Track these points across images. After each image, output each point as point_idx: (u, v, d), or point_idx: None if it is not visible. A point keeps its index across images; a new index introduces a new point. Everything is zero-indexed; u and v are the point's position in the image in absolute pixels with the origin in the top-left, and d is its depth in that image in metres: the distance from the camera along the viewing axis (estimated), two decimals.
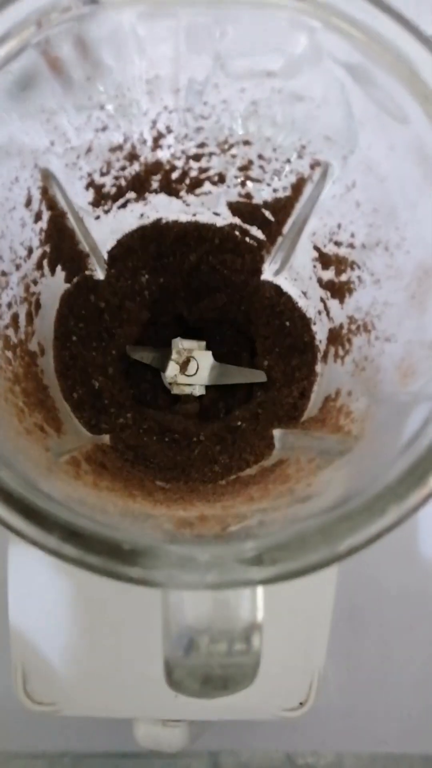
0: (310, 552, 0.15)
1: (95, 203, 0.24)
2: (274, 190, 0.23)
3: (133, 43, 0.19)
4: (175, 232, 0.26)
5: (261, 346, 0.27)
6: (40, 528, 0.15)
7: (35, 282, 0.23)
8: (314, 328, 0.26)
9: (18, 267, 0.22)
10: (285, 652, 0.28)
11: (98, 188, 0.23)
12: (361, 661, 0.37)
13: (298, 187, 0.23)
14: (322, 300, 0.25)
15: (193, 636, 0.16)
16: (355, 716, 0.37)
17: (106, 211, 0.24)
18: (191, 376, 0.26)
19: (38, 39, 0.17)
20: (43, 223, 0.23)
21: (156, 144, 0.22)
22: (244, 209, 0.25)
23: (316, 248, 0.24)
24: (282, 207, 0.24)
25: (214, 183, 0.24)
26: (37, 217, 0.22)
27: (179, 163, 0.23)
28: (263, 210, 0.24)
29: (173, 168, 0.23)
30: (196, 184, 0.24)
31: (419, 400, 0.17)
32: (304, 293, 0.26)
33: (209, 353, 0.27)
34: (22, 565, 0.27)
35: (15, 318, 0.22)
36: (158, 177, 0.24)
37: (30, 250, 0.22)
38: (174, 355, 0.26)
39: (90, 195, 0.23)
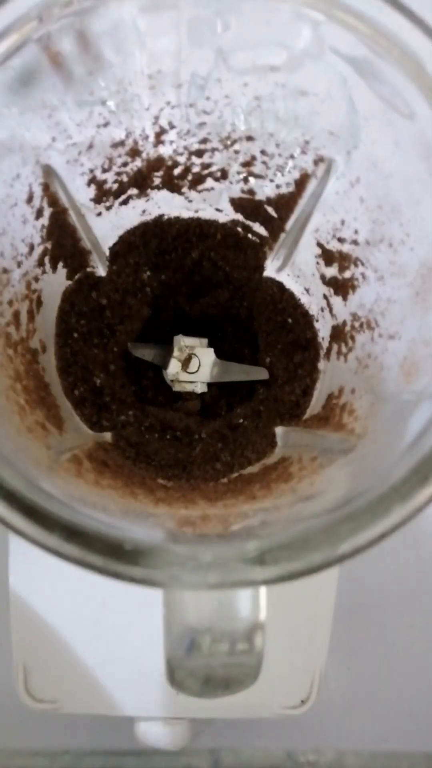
0: (313, 552, 0.15)
1: (97, 199, 0.24)
2: (277, 186, 0.23)
3: (135, 37, 0.18)
4: (176, 228, 0.26)
5: (263, 343, 0.27)
6: (41, 527, 0.15)
7: (36, 279, 0.23)
8: (317, 325, 0.26)
9: (19, 264, 0.22)
10: (286, 650, 0.28)
11: (100, 184, 0.23)
12: (363, 659, 0.37)
13: (301, 183, 0.23)
14: (325, 297, 0.24)
15: (194, 636, 0.16)
16: (357, 714, 0.37)
17: (108, 208, 0.24)
18: (193, 373, 0.26)
19: (39, 34, 0.17)
20: (45, 220, 0.22)
21: (158, 140, 0.22)
22: (247, 205, 0.25)
23: (319, 245, 0.24)
24: (285, 203, 0.24)
25: (216, 179, 0.24)
26: (39, 214, 0.22)
27: (181, 159, 0.23)
28: (266, 206, 0.24)
29: (175, 164, 0.23)
30: (199, 180, 0.24)
31: (423, 399, 0.17)
32: (307, 290, 0.26)
33: (211, 350, 0.27)
34: (23, 564, 0.27)
35: (16, 315, 0.22)
36: (160, 173, 0.24)
37: (31, 247, 0.22)
38: (176, 352, 0.26)
39: (92, 191, 0.23)
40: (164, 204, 0.25)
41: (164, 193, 0.24)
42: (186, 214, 0.26)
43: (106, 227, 0.25)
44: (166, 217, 0.26)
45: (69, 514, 0.15)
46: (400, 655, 0.37)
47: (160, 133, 0.22)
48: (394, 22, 0.16)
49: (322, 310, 0.25)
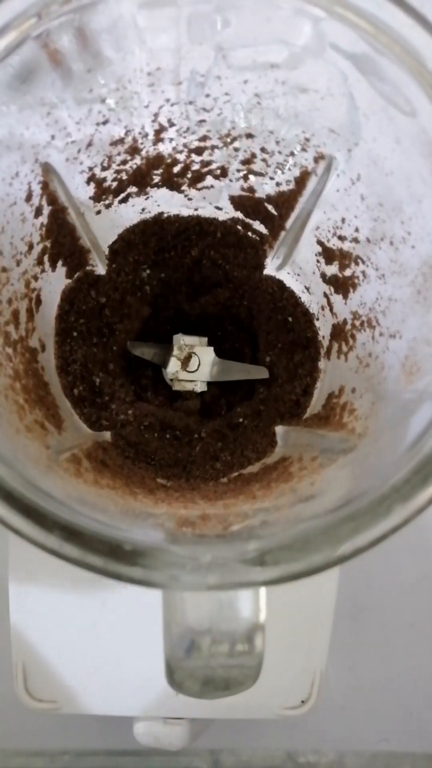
0: (314, 553, 0.15)
1: (96, 198, 0.24)
2: (278, 184, 0.23)
3: (134, 34, 0.18)
4: (176, 226, 0.26)
5: (263, 342, 0.26)
6: (41, 527, 0.15)
7: (36, 278, 0.23)
8: (317, 323, 0.26)
9: (18, 263, 0.22)
10: (287, 651, 0.28)
11: (99, 182, 0.23)
12: (363, 660, 0.37)
13: (301, 181, 0.23)
14: (325, 295, 0.24)
15: (194, 637, 0.16)
16: (357, 714, 0.37)
17: (107, 206, 0.24)
18: (193, 372, 0.26)
19: (38, 31, 0.17)
20: (44, 218, 0.22)
21: (157, 137, 0.22)
22: (247, 203, 0.25)
23: (320, 243, 0.24)
24: (285, 201, 0.24)
25: (216, 177, 0.24)
26: (38, 212, 0.22)
27: (181, 157, 0.23)
28: (266, 204, 0.24)
29: (175, 162, 0.23)
30: (198, 178, 0.24)
31: (424, 398, 0.17)
32: (307, 288, 0.26)
33: (211, 349, 0.26)
34: (22, 564, 0.27)
35: (15, 314, 0.22)
36: (160, 171, 0.23)
37: (30, 246, 0.22)
38: (175, 351, 0.26)
39: (91, 189, 0.23)
40: (164, 202, 0.25)
41: (164, 191, 0.24)
42: (186, 212, 0.25)
43: (106, 225, 0.25)
44: (165, 215, 0.25)
45: (68, 514, 0.15)
46: (400, 655, 0.37)
47: (159, 131, 0.22)
48: (395, 18, 0.16)
49: (323, 308, 0.25)
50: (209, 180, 0.24)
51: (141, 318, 0.26)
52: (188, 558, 0.15)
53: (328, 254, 0.23)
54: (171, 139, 0.22)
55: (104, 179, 0.23)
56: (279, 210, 0.24)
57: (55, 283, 0.24)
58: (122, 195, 0.24)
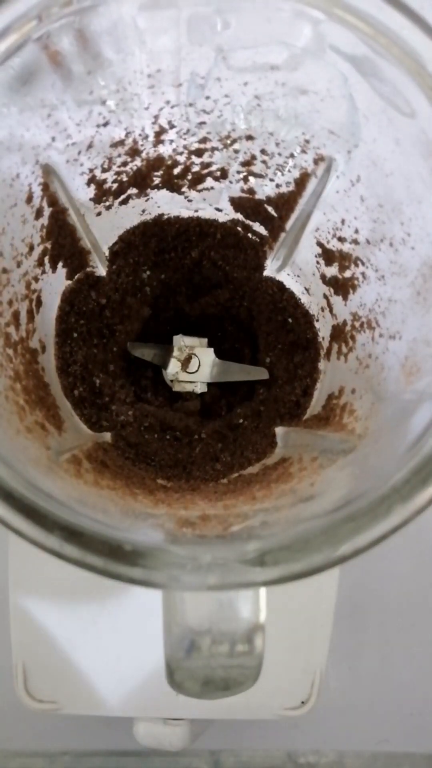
0: (314, 553, 0.15)
1: (96, 199, 0.24)
2: (277, 186, 0.23)
3: (134, 35, 0.18)
4: (176, 228, 0.26)
5: (263, 343, 0.27)
6: (41, 528, 0.15)
7: (36, 279, 0.23)
8: (317, 324, 0.26)
9: (19, 264, 0.22)
10: (287, 651, 0.28)
11: (99, 184, 0.23)
12: (363, 660, 0.37)
13: (301, 183, 0.23)
14: (325, 296, 0.24)
15: (194, 637, 0.16)
16: (357, 715, 0.37)
17: (108, 207, 0.24)
18: (193, 373, 0.26)
19: (39, 33, 0.17)
20: (44, 220, 0.22)
21: (158, 139, 0.22)
22: (247, 205, 0.25)
23: (320, 244, 0.24)
24: (285, 202, 0.24)
25: (216, 178, 0.24)
26: (38, 214, 0.22)
27: (181, 159, 0.23)
28: (266, 205, 0.24)
29: (175, 163, 0.23)
30: (198, 179, 0.24)
31: (424, 399, 0.17)
32: (307, 290, 0.26)
33: (211, 350, 0.26)
34: (22, 564, 0.27)
35: (16, 315, 0.22)
36: (160, 172, 0.23)
37: (31, 247, 0.22)
38: (175, 352, 0.26)
39: (91, 191, 0.23)
40: (164, 203, 0.25)
41: (164, 193, 0.24)
42: (186, 214, 0.25)
43: (106, 227, 0.25)
44: (165, 216, 0.25)
45: (68, 514, 0.15)
46: (400, 655, 0.37)
47: (159, 133, 0.22)
48: (394, 20, 0.16)
49: (323, 309, 0.25)
50: (209, 181, 0.24)
51: (141, 319, 0.26)
52: (188, 558, 0.15)
53: (328, 255, 0.23)
54: (171, 141, 0.22)
55: (105, 181, 0.23)
56: (279, 211, 0.24)
57: (55, 284, 0.24)
58: (122, 196, 0.24)
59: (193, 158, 0.23)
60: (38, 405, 0.21)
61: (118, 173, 0.23)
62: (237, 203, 0.25)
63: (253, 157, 0.23)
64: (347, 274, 0.23)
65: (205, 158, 0.23)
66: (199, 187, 0.24)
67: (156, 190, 0.24)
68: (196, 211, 0.25)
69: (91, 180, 0.23)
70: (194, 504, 0.20)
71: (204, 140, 0.22)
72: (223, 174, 0.24)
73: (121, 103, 0.21)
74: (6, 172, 0.20)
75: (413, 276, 0.19)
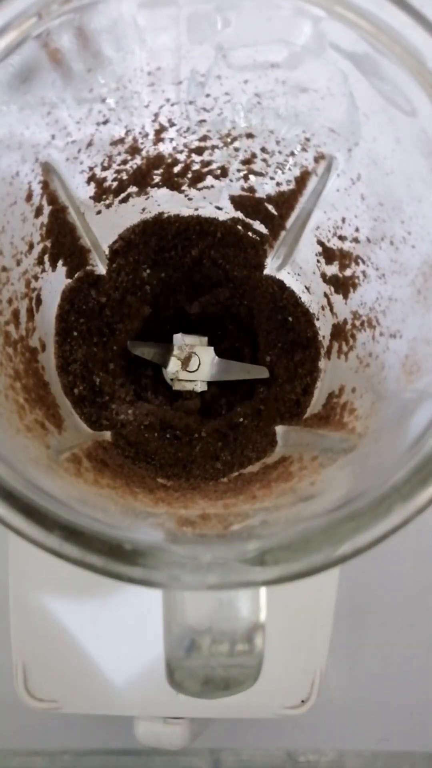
0: (314, 553, 0.15)
1: (96, 197, 0.23)
2: (278, 184, 0.23)
3: (134, 33, 0.18)
4: (176, 226, 0.26)
5: (263, 342, 0.26)
6: (41, 527, 0.15)
7: (36, 277, 0.23)
8: (317, 323, 0.26)
9: (19, 262, 0.22)
10: (287, 650, 0.28)
11: (99, 182, 0.23)
12: (363, 659, 0.37)
13: (301, 181, 0.23)
14: (325, 295, 0.24)
15: (194, 636, 0.16)
16: (357, 714, 0.37)
17: (108, 206, 0.24)
18: (193, 372, 0.26)
19: (39, 31, 0.17)
20: (44, 218, 0.22)
21: (158, 137, 0.22)
22: (247, 203, 0.25)
23: (320, 243, 0.24)
24: (285, 201, 0.24)
25: (216, 177, 0.24)
26: (38, 212, 0.22)
27: (181, 157, 0.23)
28: (266, 204, 0.24)
29: (175, 162, 0.23)
30: (199, 177, 0.24)
31: (425, 398, 0.17)
32: (308, 288, 0.26)
33: (211, 349, 0.26)
34: (23, 563, 0.27)
35: (16, 314, 0.22)
36: (160, 171, 0.23)
37: (31, 245, 0.22)
38: (175, 351, 0.26)
39: (91, 189, 0.23)
40: (164, 202, 0.25)
41: (164, 191, 0.24)
42: (186, 212, 0.25)
43: (106, 225, 0.25)
44: (165, 215, 0.25)
45: (68, 513, 0.15)
46: (400, 655, 0.37)
47: (159, 131, 0.22)
48: (395, 18, 0.16)
49: (323, 308, 0.25)
50: (209, 180, 0.24)
51: (141, 318, 0.26)
52: (188, 558, 0.15)
53: (329, 254, 0.23)
54: (171, 139, 0.22)
55: (104, 179, 0.23)
56: (279, 210, 0.24)
57: (55, 282, 0.24)
58: (122, 195, 0.24)
59: (194, 156, 0.23)
60: (38, 404, 0.21)
61: (118, 171, 0.23)
62: (237, 201, 0.25)
63: (254, 156, 0.23)
64: (348, 272, 0.23)
65: (206, 156, 0.23)
66: (200, 185, 0.24)
67: (156, 188, 0.24)
68: (197, 209, 0.25)
69: (91, 178, 0.23)
70: (194, 503, 0.20)
71: (204, 138, 0.22)
72: (224, 172, 0.24)
73: (121, 101, 0.20)
74: (6, 170, 0.20)
75: (414, 275, 0.19)
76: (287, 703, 0.28)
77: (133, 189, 0.24)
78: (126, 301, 0.26)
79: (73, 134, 0.21)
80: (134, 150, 0.22)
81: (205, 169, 0.24)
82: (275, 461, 0.23)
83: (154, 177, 0.24)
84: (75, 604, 0.27)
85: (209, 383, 0.27)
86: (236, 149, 0.23)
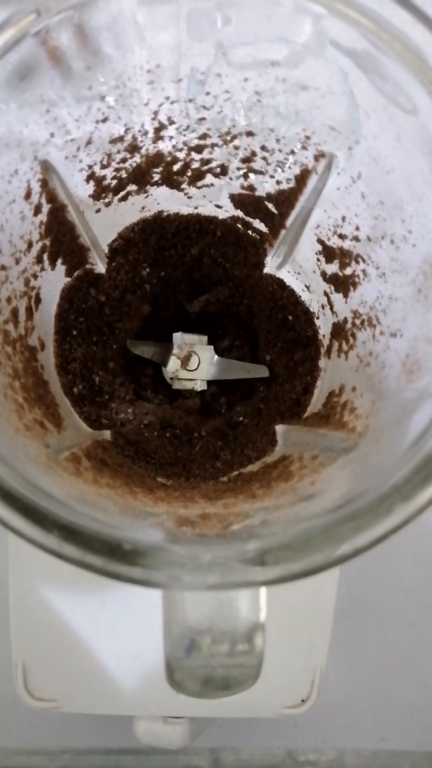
0: (314, 553, 0.15)
1: (96, 196, 0.23)
2: (278, 182, 0.23)
3: (134, 31, 0.18)
4: (176, 225, 0.26)
5: (263, 341, 0.26)
6: (40, 527, 0.15)
7: (35, 276, 0.23)
8: (317, 322, 0.25)
9: (18, 261, 0.22)
10: (287, 650, 0.28)
11: (99, 181, 0.23)
12: (363, 658, 0.37)
13: (302, 179, 0.22)
14: (325, 294, 0.24)
15: (194, 636, 0.16)
16: (357, 713, 0.37)
17: (107, 204, 0.24)
18: (192, 371, 0.26)
19: (37, 28, 0.17)
20: (43, 216, 0.22)
21: (157, 135, 0.22)
22: (247, 201, 0.24)
23: (320, 241, 0.23)
24: (285, 199, 0.23)
25: (216, 175, 0.24)
26: (37, 210, 0.22)
27: (181, 155, 0.23)
28: (266, 202, 0.24)
29: (175, 160, 0.23)
30: (198, 176, 0.24)
31: (425, 397, 0.17)
32: (308, 287, 0.25)
33: (211, 348, 0.26)
34: (22, 563, 0.27)
35: (15, 313, 0.22)
36: (159, 169, 0.23)
37: (30, 244, 0.22)
38: (175, 350, 0.26)
39: (90, 187, 0.23)
40: (163, 200, 0.25)
41: (163, 190, 0.24)
42: (185, 211, 0.25)
43: (105, 224, 0.25)
44: (165, 213, 0.25)
45: (67, 513, 0.15)
46: (400, 654, 0.37)
47: (159, 129, 0.22)
48: (396, 16, 0.16)
49: (323, 307, 0.25)
50: (209, 178, 0.24)
51: (141, 316, 0.26)
52: (188, 557, 0.15)
53: (329, 253, 0.23)
54: (171, 137, 0.22)
55: (104, 177, 0.23)
56: (279, 208, 0.24)
57: (54, 281, 0.24)
58: (122, 193, 0.24)
59: (193, 155, 0.23)
60: (37, 403, 0.21)
61: (117, 170, 0.23)
62: (237, 200, 0.25)
63: (254, 154, 0.23)
64: (348, 271, 0.23)
65: (205, 155, 0.23)
66: (199, 183, 0.24)
67: (155, 186, 0.24)
68: (196, 207, 0.25)
69: (90, 176, 0.23)
70: (194, 502, 0.20)
71: (204, 136, 0.22)
72: (223, 170, 0.24)
73: (121, 99, 0.20)
74: (4, 168, 0.20)
75: (414, 273, 0.19)
76: (287, 702, 0.28)
77: (132, 187, 0.24)
78: (125, 299, 0.26)
79: (72, 132, 0.21)
80: (134, 148, 0.22)
81: (205, 168, 0.23)
82: (275, 460, 0.23)
83: (154, 175, 0.24)
84: (75, 603, 0.27)
85: (209, 382, 0.27)
86: (236, 147, 0.22)
